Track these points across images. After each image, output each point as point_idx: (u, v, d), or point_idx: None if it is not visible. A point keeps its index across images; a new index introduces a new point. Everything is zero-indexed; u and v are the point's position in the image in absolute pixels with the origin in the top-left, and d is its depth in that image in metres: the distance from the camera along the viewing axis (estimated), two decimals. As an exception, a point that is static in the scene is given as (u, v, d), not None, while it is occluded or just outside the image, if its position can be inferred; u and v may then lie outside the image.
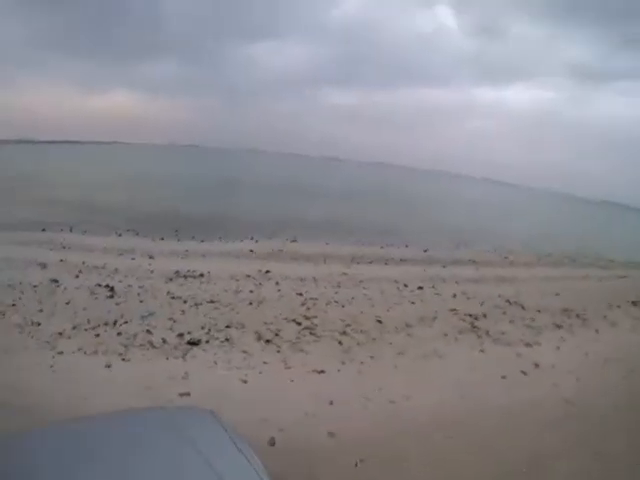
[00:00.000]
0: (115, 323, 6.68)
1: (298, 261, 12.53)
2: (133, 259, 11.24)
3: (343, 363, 5.89)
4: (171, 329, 6.59)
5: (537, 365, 6.31)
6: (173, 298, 8.06)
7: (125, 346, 5.94)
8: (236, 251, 13.19)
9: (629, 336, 8.21)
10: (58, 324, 6.50)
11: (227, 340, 6.34)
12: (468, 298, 9.56)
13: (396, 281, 10.66)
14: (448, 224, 25.02)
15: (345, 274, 11.15)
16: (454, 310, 8.49)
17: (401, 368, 5.88)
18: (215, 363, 5.62)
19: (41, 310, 7.04)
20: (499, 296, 9.90)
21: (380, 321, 7.56)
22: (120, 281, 9.00)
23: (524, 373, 6.04)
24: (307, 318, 7.46)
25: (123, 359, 5.59)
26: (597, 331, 8.21)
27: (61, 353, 5.63)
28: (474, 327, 7.68)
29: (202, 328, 6.69)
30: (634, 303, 10.43)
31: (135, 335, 6.30)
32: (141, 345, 6.01)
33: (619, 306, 10.05)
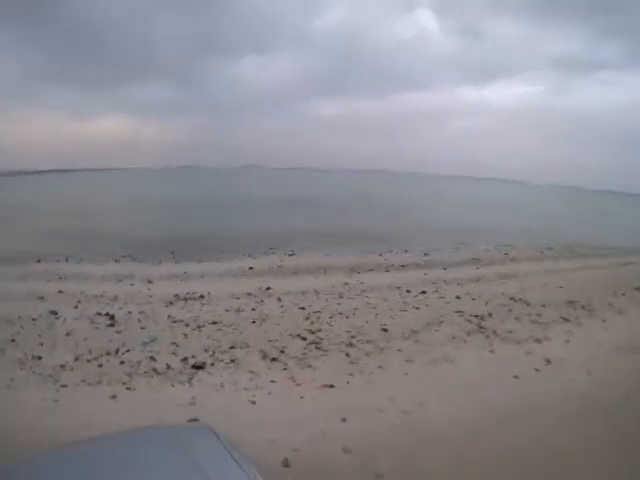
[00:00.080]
0: (117, 352, 6.56)
1: (298, 275, 12.45)
2: (132, 285, 11.13)
3: (352, 375, 5.79)
4: (174, 354, 6.47)
5: (548, 361, 6.24)
6: (174, 322, 7.95)
7: (129, 375, 5.82)
8: (235, 269, 13.10)
9: (637, 322, 8.17)
10: (60, 356, 6.38)
11: (232, 361, 6.22)
12: (472, 299, 9.50)
13: (398, 287, 10.60)
14: (445, 225, 25.06)
15: (347, 284, 11.07)
16: (459, 312, 8.42)
17: (411, 376, 5.79)
18: (222, 386, 5.50)
19: (41, 344, 6.90)
20: (503, 294, 9.84)
21: (386, 329, 7.47)
22: (120, 308, 8.89)
23: (536, 370, 5.96)
24: (312, 332, 7.36)
25: (128, 388, 5.47)
26: (604, 320, 8.16)
27: (65, 386, 5.50)
28: (481, 328, 7.60)
29: (206, 351, 6.58)
30: (638, 289, 10.40)
31: (139, 363, 6.18)
32: (145, 372, 5.89)
33: (624, 294, 10.02)
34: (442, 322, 7.84)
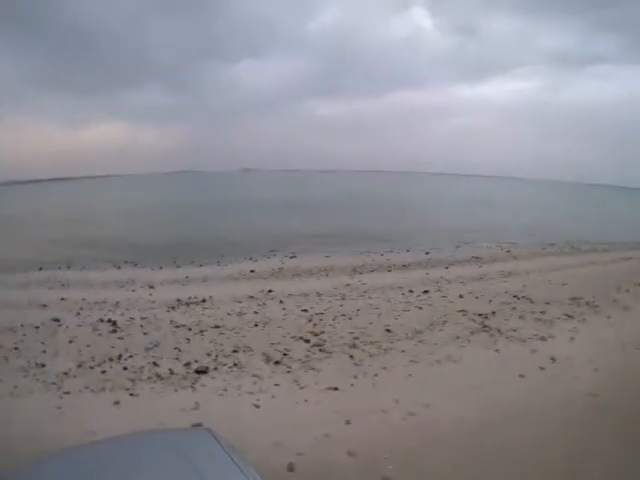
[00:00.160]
0: (120, 358, 6.53)
1: (300, 277, 12.42)
2: (133, 291, 11.11)
3: (356, 377, 5.75)
4: (177, 359, 6.45)
5: (554, 359, 6.19)
6: (177, 327, 7.92)
7: (132, 380, 5.79)
8: (236, 273, 13.09)
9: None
10: (63, 364, 6.35)
11: (235, 365, 6.19)
12: (475, 297, 9.45)
13: (401, 287, 10.56)
14: (445, 224, 25.03)
15: (349, 285, 11.04)
16: (463, 311, 8.38)
17: (416, 377, 5.75)
18: (225, 390, 5.47)
19: (44, 351, 6.88)
20: (506, 292, 9.80)
21: (389, 330, 7.43)
22: (122, 314, 8.87)
23: (542, 369, 5.91)
24: (315, 334, 7.32)
25: (131, 394, 5.44)
26: (609, 317, 8.11)
27: (68, 393, 5.47)
28: (485, 327, 7.56)
29: (209, 355, 6.55)
30: (642, 284, 10.36)
31: (141, 368, 6.15)
32: (148, 378, 5.86)
33: (628, 290, 9.97)
34: (445, 322, 7.80)
